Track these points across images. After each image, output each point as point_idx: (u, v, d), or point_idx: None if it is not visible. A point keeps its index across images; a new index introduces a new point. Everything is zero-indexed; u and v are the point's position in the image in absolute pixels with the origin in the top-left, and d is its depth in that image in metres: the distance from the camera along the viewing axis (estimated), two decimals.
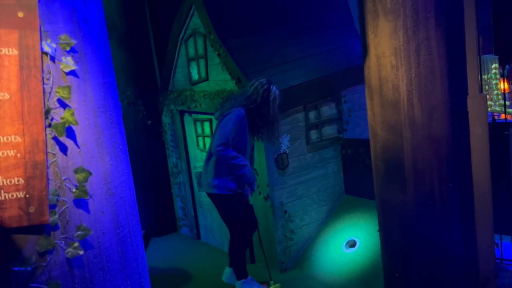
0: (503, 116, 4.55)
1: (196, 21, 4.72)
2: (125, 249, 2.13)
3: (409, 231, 3.09)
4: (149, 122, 5.55)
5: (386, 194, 3.19)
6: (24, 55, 1.82)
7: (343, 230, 4.51)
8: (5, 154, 1.80)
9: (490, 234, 3.31)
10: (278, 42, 4.67)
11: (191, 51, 4.91)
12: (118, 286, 2.09)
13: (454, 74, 2.98)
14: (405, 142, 2.99)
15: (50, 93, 1.87)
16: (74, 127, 1.93)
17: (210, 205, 4.76)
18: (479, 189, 3.20)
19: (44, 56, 1.86)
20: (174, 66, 5.23)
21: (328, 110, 4.61)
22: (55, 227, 1.90)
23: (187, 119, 5.23)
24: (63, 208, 1.92)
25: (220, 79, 4.60)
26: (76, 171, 1.93)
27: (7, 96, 1.80)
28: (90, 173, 1.97)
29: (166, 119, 5.51)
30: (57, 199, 1.89)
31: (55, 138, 1.89)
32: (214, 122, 4.11)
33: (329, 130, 4.64)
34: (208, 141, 4.84)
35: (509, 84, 5.47)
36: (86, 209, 1.97)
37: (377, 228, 3.41)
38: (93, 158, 2.00)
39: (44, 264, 1.89)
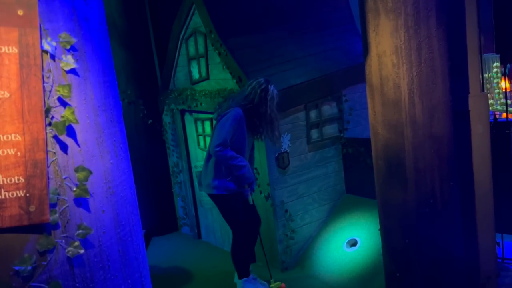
0: (504, 115, 4.55)
1: (196, 20, 4.71)
2: (125, 248, 2.13)
3: (410, 230, 3.09)
4: (150, 121, 5.55)
5: (387, 193, 3.18)
6: (24, 53, 1.81)
7: (344, 229, 4.51)
8: (5, 152, 1.80)
9: (491, 233, 3.30)
10: (278, 41, 4.66)
11: (192, 50, 4.90)
12: (119, 285, 2.09)
13: (455, 73, 2.97)
14: (406, 141, 2.99)
15: (50, 91, 1.87)
16: (74, 125, 1.93)
17: (210, 204, 4.77)
18: (480, 188, 3.20)
19: (44, 55, 1.85)
20: (174, 65, 5.23)
21: (329, 109, 4.61)
22: (55, 226, 1.89)
23: (188, 118, 5.23)
24: (64, 207, 1.91)
25: (221, 78, 4.59)
26: (76, 170, 1.93)
27: (7, 95, 1.80)
28: (90, 172, 1.96)
29: (166, 118, 5.50)
30: (57, 198, 1.89)
31: (55, 137, 1.89)
32: (215, 122, 4.11)
33: (330, 129, 4.63)
34: (208, 140, 4.83)
35: (510, 83, 5.47)
36: (87, 208, 1.97)
37: (378, 227, 3.41)
38: (94, 157, 1.99)
39: (45, 263, 1.88)
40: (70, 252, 1.92)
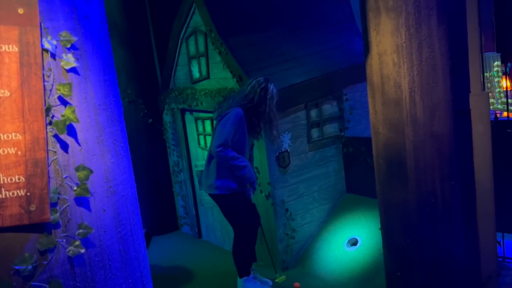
0: (505, 114, 4.55)
1: (197, 19, 4.71)
2: (126, 248, 2.12)
3: (411, 229, 3.08)
4: (150, 120, 5.55)
5: (387, 193, 3.18)
6: (25, 52, 1.81)
7: (344, 228, 4.51)
8: (6, 152, 1.79)
9: (492, 232, 3.30)
10: (279, 40, 4.66)
11: (192, 49, 4.90)
12: (120, 285, 2.08)
13: (456, 72, 2.96)
14: (407, 140, 2.98)
15: (50, 90, 1.87)
16: (75, 124, 1.92)
17: (211, 203, 4.76)
18: (481, 187, 3.19)
19: (45, 53, 1.85)
20: (175, 65, 5.23)
21: (329, 108, 4.60)
22: (56, 225, 1.89)
23: (188, 117, 5.22)
24: (64, 206, 1.91)
25: (221, 77, 4.59)
26: (77, 169, 1.93)
27: (7, 94, 1.79)
28: (91, 171, 1.96)
29: (167, 118, 5.50)
30: (58, 197, 1.88)
31: (56, 136, 1.88)
32: (215, 122, 4.11)
33: (331, 128, 4.63)
34: (209, 139, 4.83)
35: (511, 81, 5.47)
36: (87, 207, 1.97)
37: (379, 226, 3.40)
38: (94, 156, 1.99)
39: (45, 262, 1.88)
40: (70, 252, 1.92)
